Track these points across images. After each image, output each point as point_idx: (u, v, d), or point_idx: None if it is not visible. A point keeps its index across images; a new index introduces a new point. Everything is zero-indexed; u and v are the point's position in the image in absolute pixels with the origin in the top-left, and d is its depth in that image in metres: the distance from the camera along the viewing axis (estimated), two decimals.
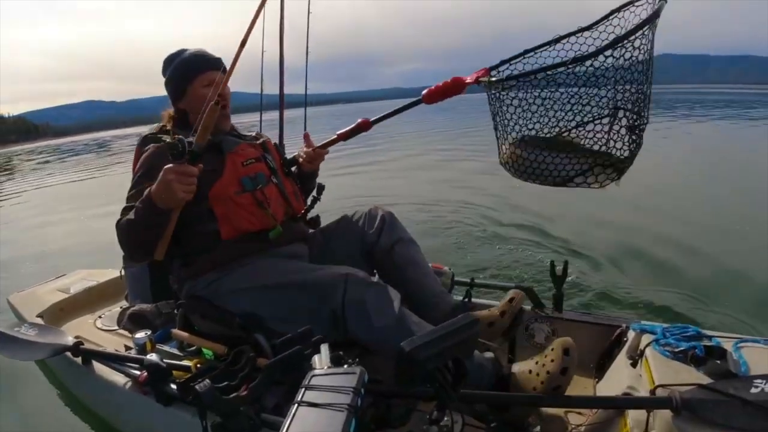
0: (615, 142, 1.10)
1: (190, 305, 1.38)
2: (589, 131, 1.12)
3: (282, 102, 2.59)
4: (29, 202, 8.46)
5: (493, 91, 1.17)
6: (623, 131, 1.09)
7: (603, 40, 1.08)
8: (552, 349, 1.12)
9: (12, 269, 4.02)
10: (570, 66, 1.03)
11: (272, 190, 1.42)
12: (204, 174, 1.24)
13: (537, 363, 1.13)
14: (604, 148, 1.11)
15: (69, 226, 5.72)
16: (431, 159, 9.04)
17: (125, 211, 1.27)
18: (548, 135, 1.15)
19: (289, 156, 1.63)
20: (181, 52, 1.46)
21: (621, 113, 1.09)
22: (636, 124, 1.09)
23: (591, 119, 1.12)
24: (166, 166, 1.14)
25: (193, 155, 1.16)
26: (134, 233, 1.23)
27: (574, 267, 2.63)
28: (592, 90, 1.08)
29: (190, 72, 1.42)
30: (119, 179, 9.07)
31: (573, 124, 1.14)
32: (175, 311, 1.47)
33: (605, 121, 1.10)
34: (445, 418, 0.88)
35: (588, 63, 1.03)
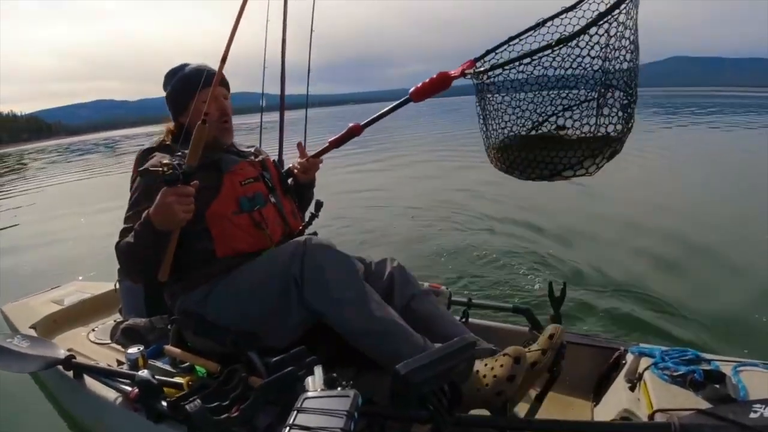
0: (607, 120, 1.06)
1: (184, 321, 1.37)
2: (581, 113, 1.08)
3: (282, 114, 2.60)
4: (32, 206, 8.40)
5: (481, 81, 1.16)
6: (614, 109, 1.06)
7: (588, 19, 1.04)
8: (504, 355, 1.10)
9: (5, 279, 4.00)
10: (555, 48, 1.01)
11: (270, 211, 1.41)
12: (201, 192, 1.23)
13: (486, 365, 1.11)
14: (594, 129, 1.07)
15: (66, 234, 5.70)
16: (431, 163, 9.03)
17: (124, 233, 1.25)
18: (534, 132, 1.13)
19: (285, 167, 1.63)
20: (183, 66, 1.47)
21: (610, 92, 1.06)
22: (628, 101, 1.06)
23: (581, 101, 1.08)
24: (163, 189, 1.14)
25: (185, 175, 1.16)
26: (135, 256, 1.22)
27: (570, 284, 2.61)
28: (581, 71, 1.04)
29: (192, 87, 1.41)
30: (119, 180, 9.12)
31: (560, 108, 1.10)
32: (169, 326, 1.45)
33: (593, 103, 1.07)
34: None
35: (575, 44, 1.00)
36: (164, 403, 1.19)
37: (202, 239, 1.32)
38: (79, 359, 1.57)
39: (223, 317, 1.30)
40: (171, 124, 1.50)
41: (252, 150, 1.57)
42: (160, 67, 1.55)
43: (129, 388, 1.32)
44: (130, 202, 1.32)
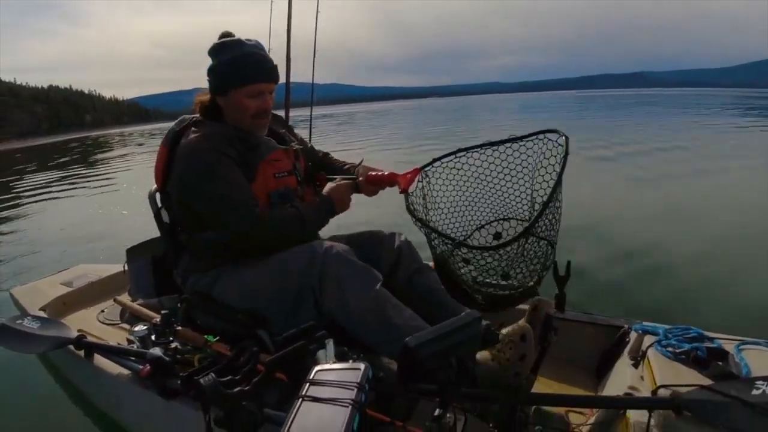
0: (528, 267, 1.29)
1: (193, 300, 1.39)
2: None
3: (287, 102, 2.60)
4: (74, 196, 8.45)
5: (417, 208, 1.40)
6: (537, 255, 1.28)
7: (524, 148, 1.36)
8: (510, 339, 1.11)
9: (16, 263, 4.03)
10: (492, 251, 1.29)
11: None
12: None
13: (497, 351, 1.12)
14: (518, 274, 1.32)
15: (85, 218, 5.75)
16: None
17: (242, 209, 1.27)
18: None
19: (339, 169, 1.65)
20: (239, 44, 1.35)
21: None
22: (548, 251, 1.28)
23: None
24: (337, 187, 1.42)
25: None
26: (305, 229, 1.34)
27: (575, 264, 2.61)
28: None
29: (242, 77, 1.33)
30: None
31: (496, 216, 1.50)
32: (179, 305, 1.47)
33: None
34: (448, 416, 0.88)
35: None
36: (176, 380, 1.21)
37: None
38: (89, 339, 1.59)
39: (230, 300, 1.32)
40: (205, 97, 1.42)
41: (284, 132, 1.55)
42: None
43: (140, 366, 1.34)
44: (210, 177, 1.27)
